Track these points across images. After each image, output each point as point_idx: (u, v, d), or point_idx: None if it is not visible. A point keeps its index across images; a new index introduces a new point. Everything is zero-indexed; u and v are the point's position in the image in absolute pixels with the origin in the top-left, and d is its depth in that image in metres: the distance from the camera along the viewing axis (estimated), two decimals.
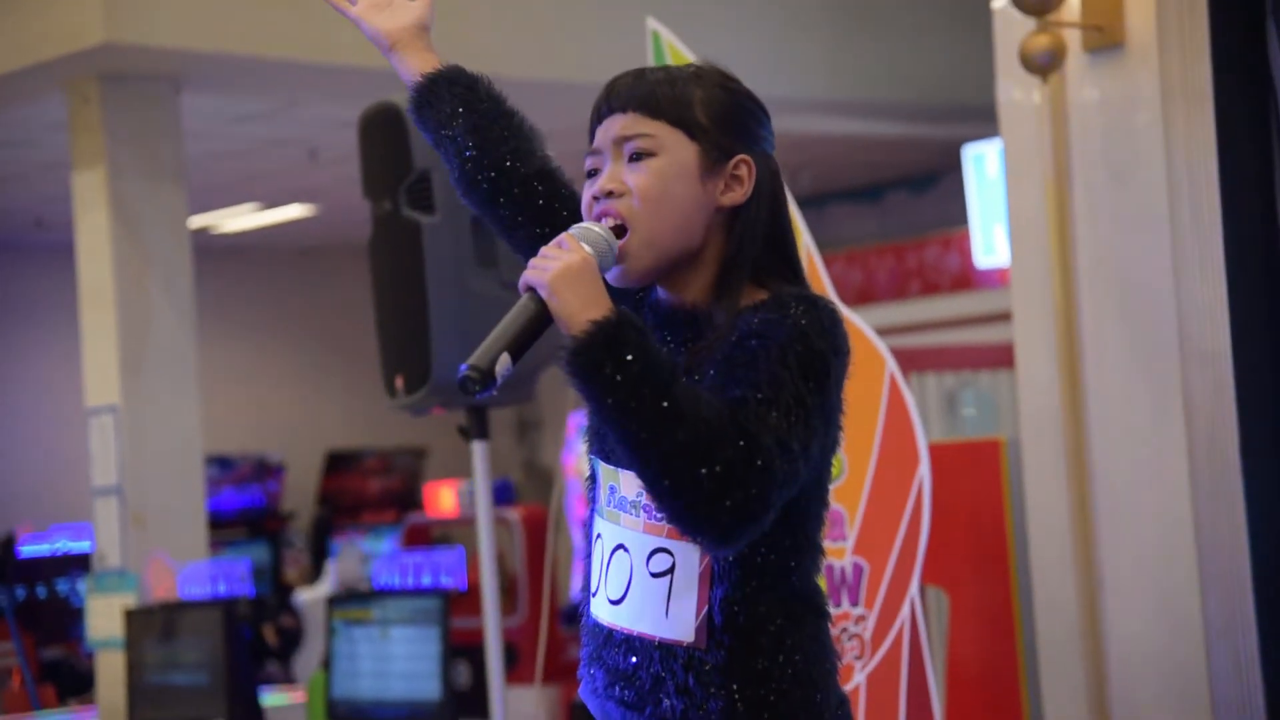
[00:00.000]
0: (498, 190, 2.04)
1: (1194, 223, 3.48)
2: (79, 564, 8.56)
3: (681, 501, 1.71)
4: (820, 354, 1.79)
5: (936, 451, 3.43)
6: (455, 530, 9.04)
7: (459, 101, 2.06)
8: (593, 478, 1.96)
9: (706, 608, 1.83)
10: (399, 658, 4.76)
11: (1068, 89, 3.70)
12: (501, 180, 2.03)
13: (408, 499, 11.54)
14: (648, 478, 1.73)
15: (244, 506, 11.33)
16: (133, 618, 5.32)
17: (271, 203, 10.29)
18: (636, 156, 1.89)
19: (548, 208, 2.02)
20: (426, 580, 4.95)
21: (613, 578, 1.90)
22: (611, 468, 1.91)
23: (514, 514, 8.26)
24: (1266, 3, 3.36)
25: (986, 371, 6.66)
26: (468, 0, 6.72)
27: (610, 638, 1.89)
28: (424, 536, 8.73)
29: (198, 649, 5.14)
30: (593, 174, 1.93)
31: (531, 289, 1.80)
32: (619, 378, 1.71)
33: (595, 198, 1.91)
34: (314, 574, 10.54)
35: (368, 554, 6.84)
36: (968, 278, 9.12)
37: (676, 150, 1.89)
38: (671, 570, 1.84)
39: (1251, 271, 3.39)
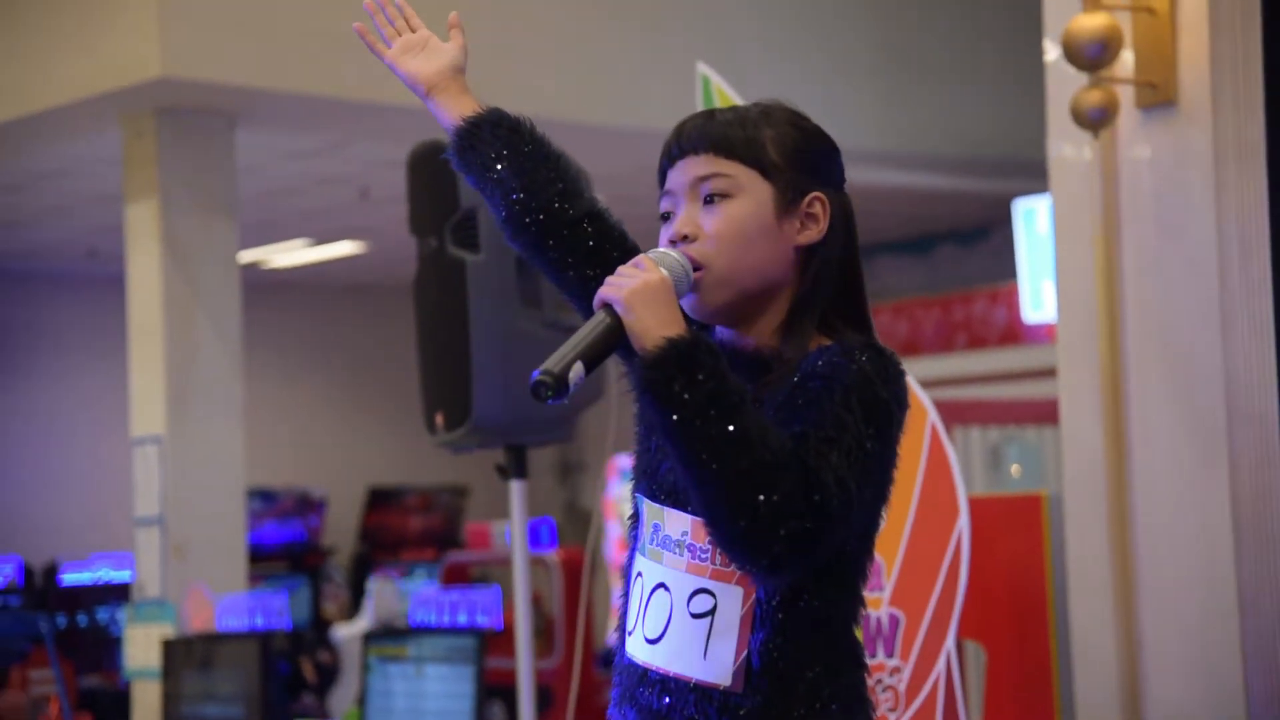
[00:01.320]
0: (546, 233, 2.03)
1: (1244, 283, 3.44)
2: (119, 593, 8.60)
3: (737, 527, 1.71)
4: (884, 402, 1.80)
5: (978, 505, 3.40)
6: (494, 570, 9.04)
7: (502, 144, 2.06)
8: (635, 516, 1.95)
9: (746, 651, 1.82)
10: (433, 695, 4.75)
11: (1119, 145, 3.68)
12: (550, 222, 2.03)
13: (448, 537, 11.55)
14: (705, 500, 1.72)
15: (285, 541, 11.37)
16: (170, 648, 5.33)
17: (322, 239, 10.35)
18: (711, 199, 1.89)
19: (598, 249, 2.01)
20: (463, 619, 4.94)
21: (651, 617, 1.88)
22: (657, 506, 1.90)
23: (553, 556, 8.25)
24: None
25: (1032, 426, 6.62)
26: (517, 42, 6.77)
27: (645, 677, 1.88)
28: (463, 575, 8.72)
29: (233, 681, 5.15)
30: (667, 216, 1.93)
31: (608, 305, 1.81)
32: (688, 396, 1.71)
33: (672, 241, 1.90)
34: (353, 609, 10.55)
35: (404, 591, 6.84)
36: (1015, 332, 9.08)
37: (752, 190, 1.89)
38: (713, 612, 1.83)
39: None
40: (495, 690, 5.72)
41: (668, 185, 1.93)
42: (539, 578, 8.15)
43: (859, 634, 1.91)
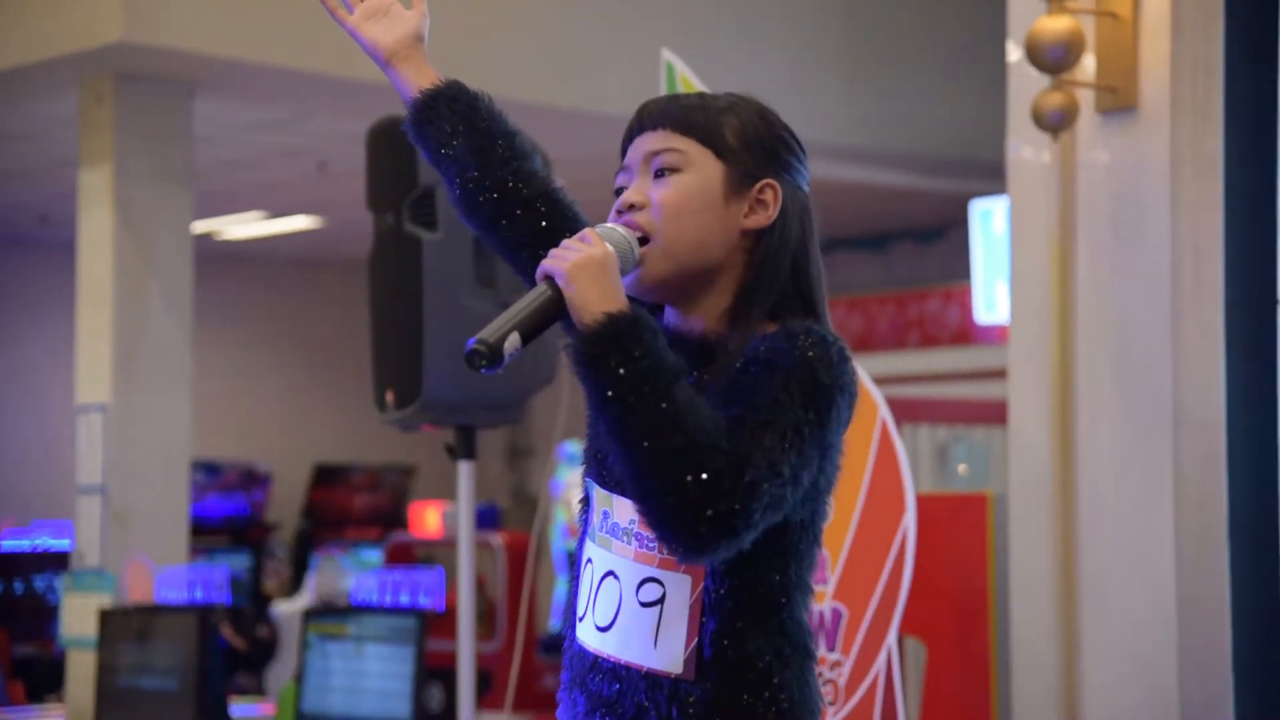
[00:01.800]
0: (500, 212, 2.02)
1: (1195, 291, 3.47)
2: (59, 561, 8.53)
3: (665, 505, 1.70)
4: (825, 387, 1.79)
5: (924, 502, 3.41)
6: (438, 551, 9.02)
7: (459, 120, 2.04)
8: (586, 501, 1.94)
9: (696, 639, 1.82)
10: (372, 675, 4.73)
11: (1078, 149, 3.70)
12: (504, 202, 2.01)
13: (393, 517, 11.50)
14: (633, 475, 1.72)
15: (228, 514, 11.30)
16: (107, 618, 5.28)
17: (277, 212, 10.29)
18: (662, 172, 1.89)
19: (551, 229, 2.00)
20: (405, 599, 4.92)
21: (601, 604, 1.88)
22: (606, 493, 1.89)
23: (498, 539, 8.24)
24: None
25: (980, 426, 6.65)
26: (482, 23, 6.73)
27: (595, 664, 1.88)
28: (407, 555, 8.70)
29: (170, 654, 5.11)
30: (620, 191, 1.93)
31: (549, 277, 1.79)
32: (623, 372, 1.71)
33: (619, 211, 1.90)
34: (294, 586, 10.50)
35: (347, 569, 6.81)
36: (967, 332, 9.12)
37: (702, 167, 1.89)
38: (662, 600, 1.83)
39: (1250, 344, 3.38)
40: (434, 672, 5.70)
41: (625, 160, 1.94)
42: (484, 561, 8.13)
43: (807, 624, 1.91)
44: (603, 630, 1.87)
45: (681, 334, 1.91)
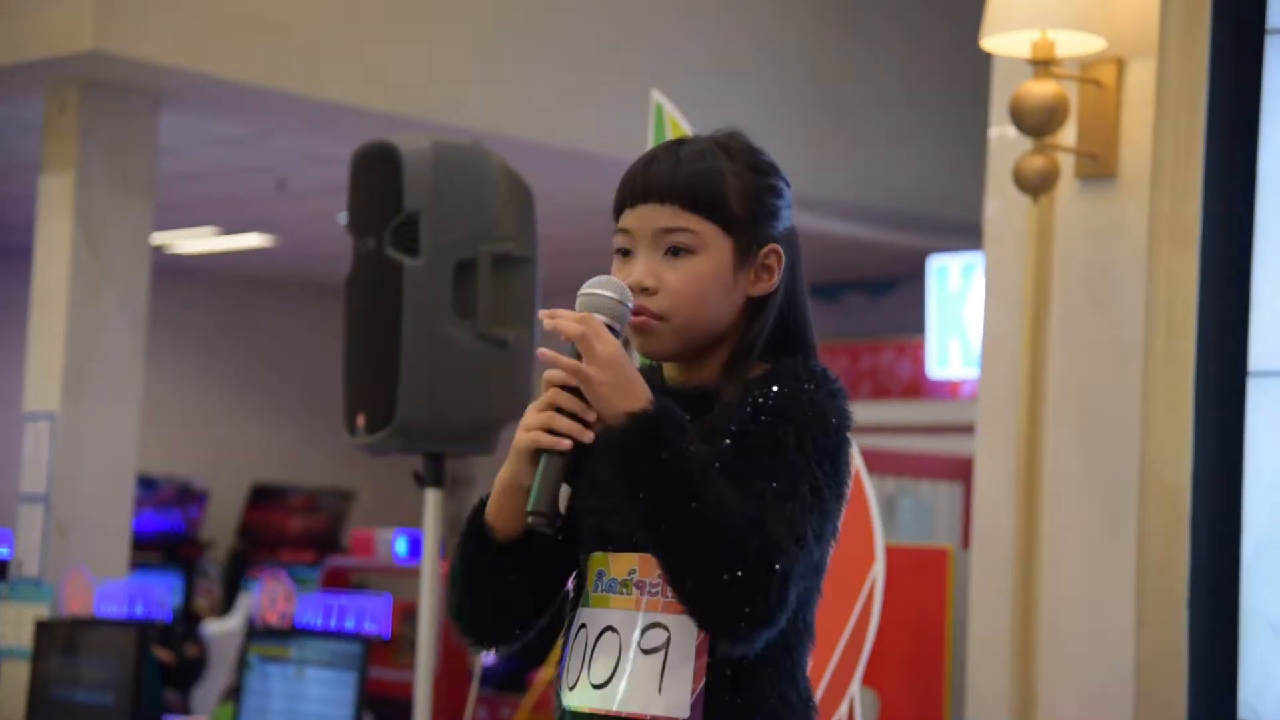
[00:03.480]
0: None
1: (1167, 360, 3.51)
2: None
3: (703, 603, 1.75)
4: (835, 431, 1.83)
5: (885, 554, 3.42)
6: (373, 577, 8.96)
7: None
8: (577, 576, 1.94)
9: (703, 682, 1.82)
10: (313, 699, 4.68)
11: (1056, 212, 3.74)
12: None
13: (328, 540, 11.41)
14: (669, 572, 1.77)
15: (163, 530, 11.18)
16: (43, 629, 5.22)
17: (232, 229, 10.23)
18: (674, 251, 1.89)
19: (548, 561, 1.95)
20: (350, 624, 4.88)
21: (597, 663, 1.87)
22: (602, 554, 1.89)
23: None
24: (1260, 144, 3.42)
25: (927, 480, 6.69)
26: (471, 58, 6.74)
27: None
28: (343, 580, 8.64)
29: (106, 668, 5.04)
30: (624, 253, 1.92)
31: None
32: (651, 477, 1.75)
33: (630, 288, 1.89)
34: (225, 606, 10.39)
35: (291, 591, 6.74)
36: (918, 386, 9.18)
37: (715, 247, 1.90)
38: (666, 645, 1.83)
39: (1219, 414, 3.42)
40: (369, 700, 5.65)
41: (628, 224, 1.91)
42: (415, 588, 8.06)
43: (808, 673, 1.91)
44: (600, 687, 1.86)
45: (679, 384, 1.93)
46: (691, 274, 1.88)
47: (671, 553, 1.75)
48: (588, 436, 1.80)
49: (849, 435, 1.85)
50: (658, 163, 1.92)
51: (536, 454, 1.82)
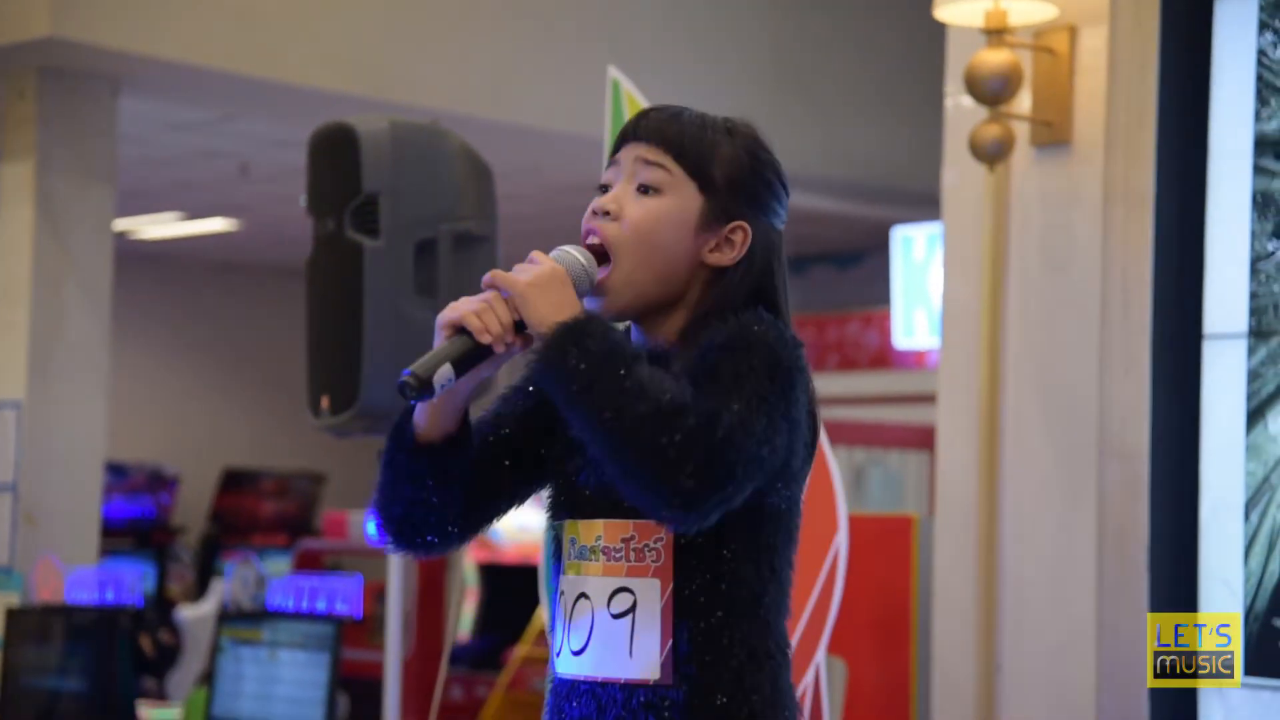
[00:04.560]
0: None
1: (1123, 324, 3.54)
2: None
3: (644, 473, 1.72)
4: (784, 362, 1.81)
5: (849, 523, 3.45)
6: (347, 559, 8.97)
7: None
8: (555, 541, 1.96)
9: (671, 642, 1.84)
10: (286, 681, 4.69)
11: (1012, 180, 3.77)
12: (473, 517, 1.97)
13: (301, 524, 11.41)
14: (611, 452, 1.74)
15: (134, 516, 11.15)
16: (14, 617, 5.21)
17: (195, 214, 10.19)
18: (644, 189, 1.92)
19: (495, 460, 1.95)
20: (322, 605, 4.89)
21: (575, 629, 1.90)
22: (573, 521, 1.91)
23: None
24: (1211, 111, 3.44)
25: (896, 450, 6.73)
26: (427, 35, 6.73)
27: (574, 688, 1.89)
28: (316, 562, 8.65)
29: (78, 655, 5.04)
30: (604, 189, 1.96)
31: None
32: (583, 365, 1.74)
33: (594, 212, 1.93)
34: (198, 591, 10.39)
35: (263, 575, 6.75)
36: (885, 357, 9.21)
37: (683, 195, 1.92)
38: (633, 608, 1.85)
39: (1176, 376, 3.46)
40: (342, 681, 5.66)
41: (616, 155, 1.96)
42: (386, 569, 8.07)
43: (785, 626, 1.92)
44: (578, 654, 1.89)
45: (643, 346, 1.93)
46: (650, 209, 1.91)
47: (607, 430, 1.72)
48: (507, 340, 1.81)
49: (800, 379, 1.83)
50: (660, 111, 1.97)
51: (455, 333, 1.82)
